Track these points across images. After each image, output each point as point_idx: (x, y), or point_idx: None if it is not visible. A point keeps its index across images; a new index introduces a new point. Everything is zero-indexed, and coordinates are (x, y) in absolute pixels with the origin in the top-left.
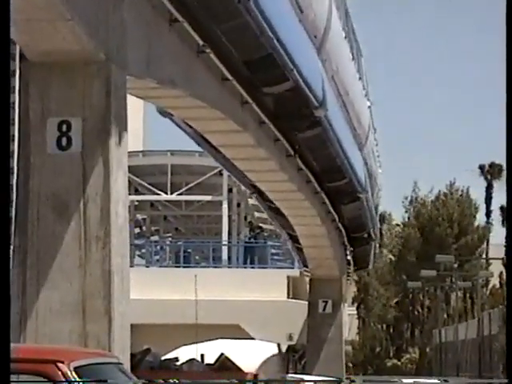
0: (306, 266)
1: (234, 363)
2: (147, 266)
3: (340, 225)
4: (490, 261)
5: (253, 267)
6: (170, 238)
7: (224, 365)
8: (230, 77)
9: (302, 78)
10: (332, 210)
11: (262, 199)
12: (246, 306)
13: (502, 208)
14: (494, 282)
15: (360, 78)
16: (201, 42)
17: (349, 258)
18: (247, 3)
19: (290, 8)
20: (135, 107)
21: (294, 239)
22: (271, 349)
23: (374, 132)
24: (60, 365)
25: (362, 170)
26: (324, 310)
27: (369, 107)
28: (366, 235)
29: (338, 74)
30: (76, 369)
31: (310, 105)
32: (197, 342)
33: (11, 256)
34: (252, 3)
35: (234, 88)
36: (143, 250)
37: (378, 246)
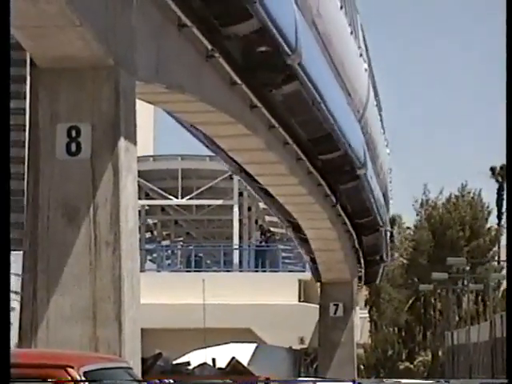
0: (320, 281)
1: (245, 367)
2: (158, 271)
3: (351, 229)
4: (502, 263)
5: (264, 271)
6: (181, 243)
7: (235, 369)
8: (238, 81)
9: (350, 147)
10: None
11: (294, 231)
12: (257, 310)
13: None
14: None
15: (384, 133)
16: (209, 47)
17: (360, 274)
18: (319, 105)
19: (343, 96)
20: (145, 112)
21: (314, 261)
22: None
23: (389, 172)
24: (70, 370)
25: (385, 207)
26: (335, 313)
27: (388, 154)
28: (378, 258)
29: (371, 136)
30: (86, 374)
31: (354, 165)
32: (208, 346)
33: (22, 262)
34: (323, 105)
35: (243, 92)
36: (154, 255)
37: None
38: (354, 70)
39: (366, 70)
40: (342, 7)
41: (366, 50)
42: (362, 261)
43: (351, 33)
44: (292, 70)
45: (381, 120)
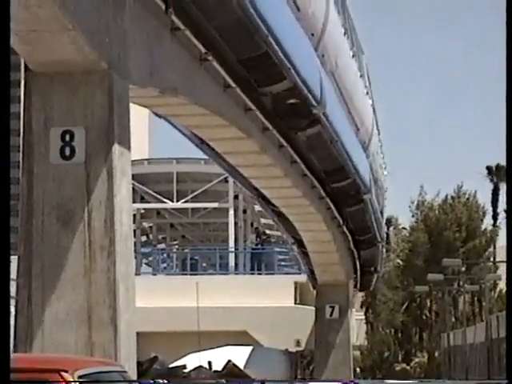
0: (315, 288)
1: (241, 370)
2: (154, 274)
3: (346, 230)
4: (498, 264)
5: (260, 273)
6: (176, 246)
7: (232, 372)
8: (232, 84)
9: (358, 176)
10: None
11: (298, 247)
12: (253, 313)
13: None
14: (502, 285)
15: (383, 157)
16: (203, 50)
17: (356, 280)
18: (335, 143)
19: (353, 131)
20: (140, 115)
21: (312, 272)
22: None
23: (386, 190)
24: (64, 374)
25: (383, 223)
26: (331, 315)
27: (385, 175)
28: (373, 269)
29: (373, 162)
30: (80, 378)
31: (360, 191)
32: (204, 349)
33: (16, 266)
34: (339, 142)
35: (237, 95)
36: (150, 258)
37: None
38: (361, 106)
39: (370, 105)
40: (353, 56)
41: (369, 85)
42: (359, 271)
43: (360, 76)
44: (315, 116)
45: (380, 146)
